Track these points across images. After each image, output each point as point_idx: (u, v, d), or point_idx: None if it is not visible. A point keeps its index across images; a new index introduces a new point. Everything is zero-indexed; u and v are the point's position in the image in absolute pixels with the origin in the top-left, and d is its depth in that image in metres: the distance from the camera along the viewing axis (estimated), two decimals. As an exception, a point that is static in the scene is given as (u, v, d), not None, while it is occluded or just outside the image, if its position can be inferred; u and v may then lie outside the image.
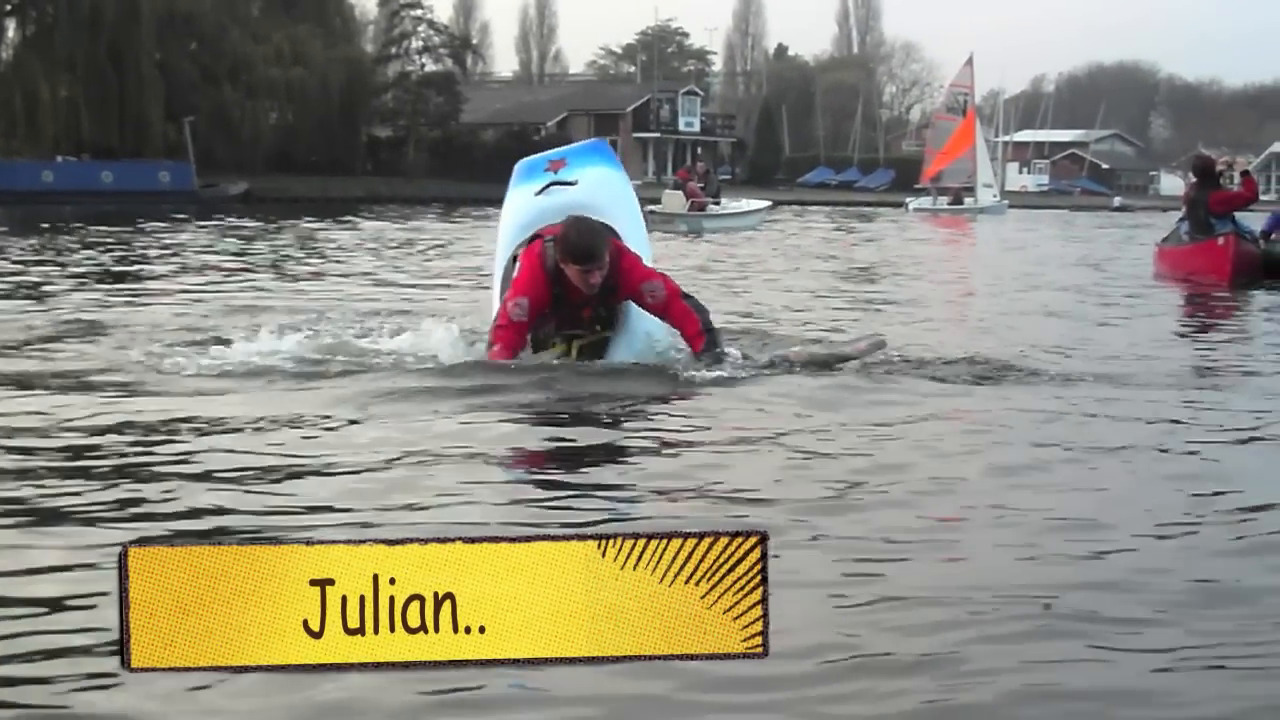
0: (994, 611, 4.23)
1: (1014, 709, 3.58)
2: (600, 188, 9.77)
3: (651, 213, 37.75)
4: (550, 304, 8.65)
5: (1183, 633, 4.13)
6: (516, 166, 10.47)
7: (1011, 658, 3.89)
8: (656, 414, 7.51)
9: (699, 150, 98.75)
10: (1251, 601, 4.45)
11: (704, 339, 8.66)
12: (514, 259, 9.23)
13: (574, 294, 8.63)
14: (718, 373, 8.43)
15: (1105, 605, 4.33)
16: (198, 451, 6.29)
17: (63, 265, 20.00)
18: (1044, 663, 3.87)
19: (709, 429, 7.03)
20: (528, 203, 9.76)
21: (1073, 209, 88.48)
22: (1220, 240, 19.46)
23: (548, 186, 9.74)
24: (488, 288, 10.29)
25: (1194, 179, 21.42)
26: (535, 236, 8.93)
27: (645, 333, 8.96)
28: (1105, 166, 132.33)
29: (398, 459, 6.17)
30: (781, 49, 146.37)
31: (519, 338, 8.63)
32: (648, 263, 9.05)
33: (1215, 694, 3.74)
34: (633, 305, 8.87)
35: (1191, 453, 6.81)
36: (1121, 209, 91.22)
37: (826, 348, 9.29)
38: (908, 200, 73.20)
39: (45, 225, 32.40)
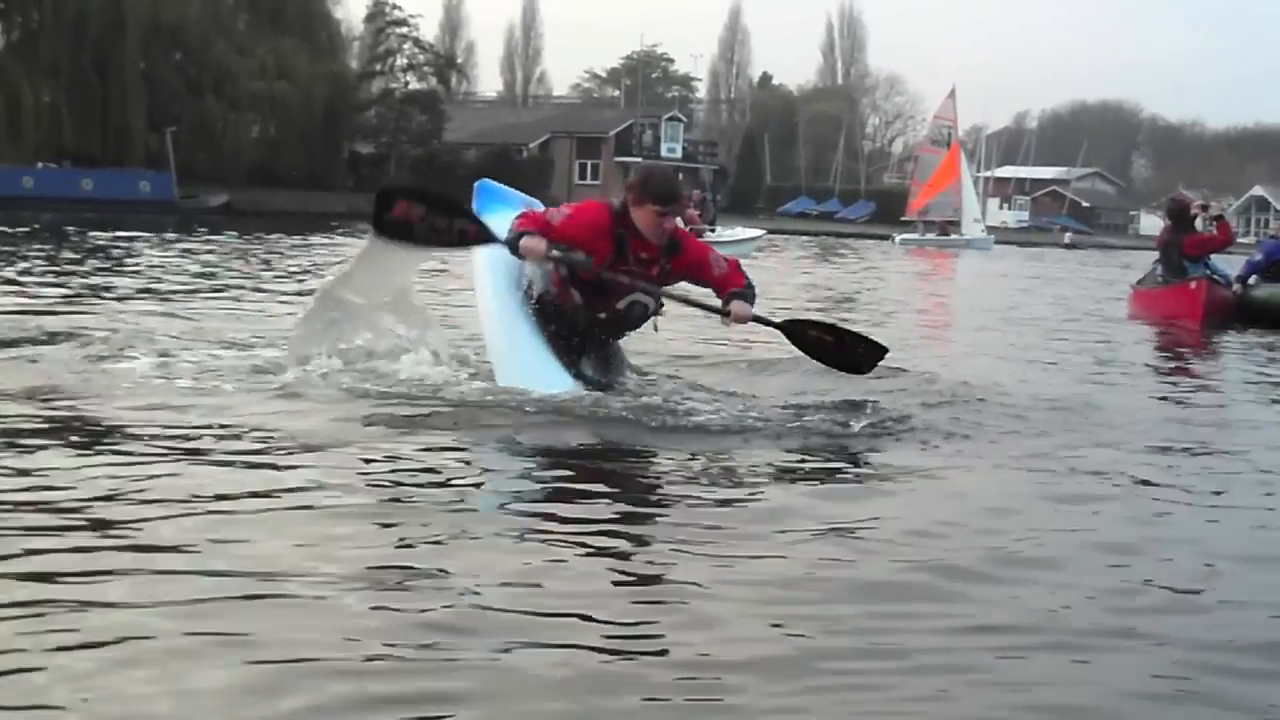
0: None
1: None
2: None
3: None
4: (612, 251, 8.42)
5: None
6: (485, 187, 10.03)
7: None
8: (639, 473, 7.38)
9: (680, 176, 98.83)
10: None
11: (743, 287, 8.65)
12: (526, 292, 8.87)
13: (638, 246, 8.46)
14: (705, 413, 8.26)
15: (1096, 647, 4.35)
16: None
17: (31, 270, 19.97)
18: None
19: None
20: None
21: (1022, 244, 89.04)
22: (1193, 284, 19.47)
23: None
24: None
25: (1169, 221, 21.44)
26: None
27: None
28: (1086, 204, 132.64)
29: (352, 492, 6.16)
30: (766, 78, 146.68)
31: (543, 230, 8.40)
32: None
33: None
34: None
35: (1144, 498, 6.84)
36: (1071, 246, 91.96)
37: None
38: (894, 234, 73.20)
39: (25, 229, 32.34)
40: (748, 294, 8.64)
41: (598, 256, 8.42)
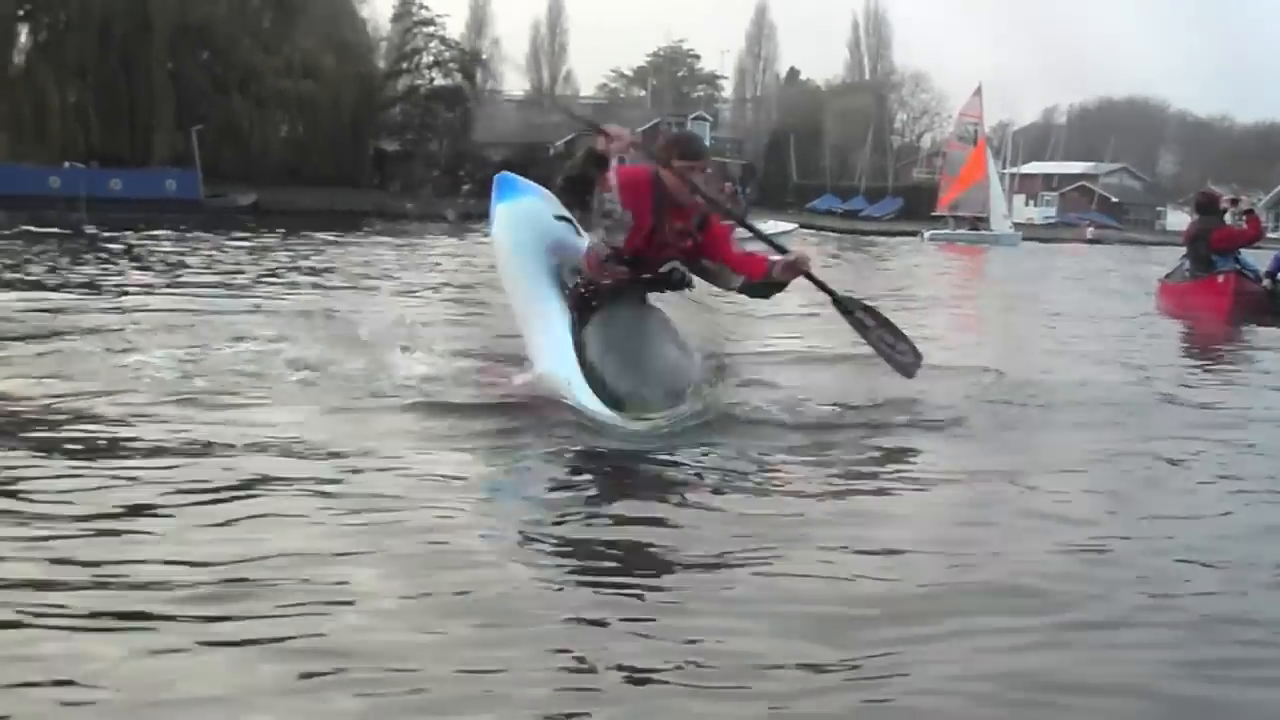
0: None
1: None
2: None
3: (679, 232, 38.16)
4: (652, 217, 8.39)
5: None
6: (505, 178, 10.00)
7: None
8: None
9: (708, 172, 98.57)
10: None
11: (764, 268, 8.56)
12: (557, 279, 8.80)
13: (674, 215, 8.43)
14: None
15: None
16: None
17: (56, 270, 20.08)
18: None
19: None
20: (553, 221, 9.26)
21: (1045, 241, 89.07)
22: (1220, 278, 19.39)
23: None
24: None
25: (1197, 215, 21.36)
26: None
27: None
28: (1114, 200, 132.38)
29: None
30: (793, 73, 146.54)
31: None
32: None
33: None
34: None
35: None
36: (1094, 241, 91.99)
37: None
38: (923, 229, 73.26)
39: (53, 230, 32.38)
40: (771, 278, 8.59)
41: (639, 221, 8.35)
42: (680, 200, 8.42)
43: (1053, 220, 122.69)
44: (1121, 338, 16.19)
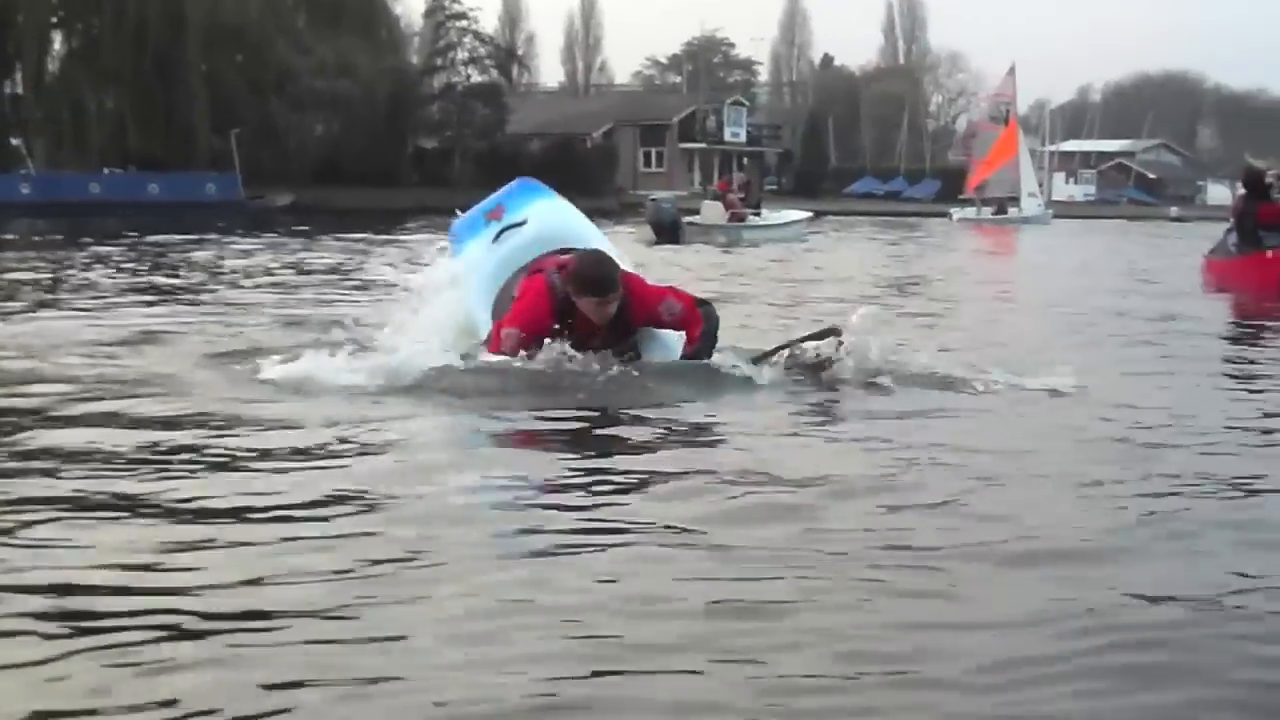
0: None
1: None
2: (552, 218, 9.70)
3: (690, 224, 38.05)
4: (551, 337, 8.27)
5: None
6: (453, 230, 10.22)
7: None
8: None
9: (745, 161, 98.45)
10: None
11: (696, 344, 8.59)
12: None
13: (583, 326, 8.36)
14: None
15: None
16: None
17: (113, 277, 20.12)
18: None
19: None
20: (487, 253, 9.51)
21: (1128, 218, 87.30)
22: (1270, 253, 19.23)
23: (500, 234, 9.53)
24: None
25: (1243, 191, 21.22)
26: (536, 271, 8.73)
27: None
28: (1152, 176, 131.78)
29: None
30: (827, 59, 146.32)
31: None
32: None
33: None
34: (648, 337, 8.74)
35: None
36: (1179, 219, 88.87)
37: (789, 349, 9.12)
38: (951, 211, 72.90)
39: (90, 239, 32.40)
40: (704, 346, 8.65)
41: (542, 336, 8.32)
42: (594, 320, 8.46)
43: (1092, 198, 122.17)
44: (1164, 319, 15.82)
